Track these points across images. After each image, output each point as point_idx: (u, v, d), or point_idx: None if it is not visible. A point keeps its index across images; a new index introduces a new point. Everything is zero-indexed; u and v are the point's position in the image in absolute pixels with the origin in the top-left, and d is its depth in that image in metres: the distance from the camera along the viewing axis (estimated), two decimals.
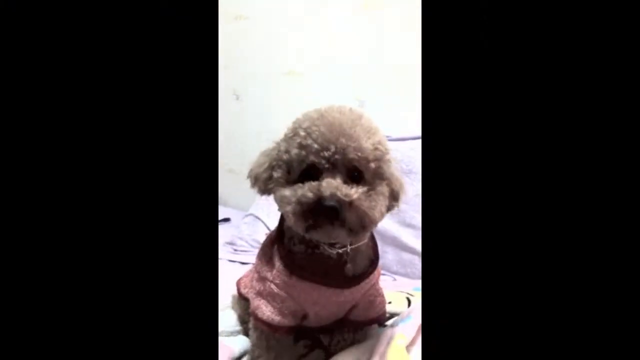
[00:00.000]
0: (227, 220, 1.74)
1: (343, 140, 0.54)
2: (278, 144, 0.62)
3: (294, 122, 0.60)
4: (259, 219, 1.47)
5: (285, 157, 0.58)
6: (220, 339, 0.79)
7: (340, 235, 0.54)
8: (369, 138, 0.56)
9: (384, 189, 0.58)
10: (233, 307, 0.87)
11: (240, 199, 1.93)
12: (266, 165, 0.61)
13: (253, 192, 1.81)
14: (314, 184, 0.53)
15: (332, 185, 0.52)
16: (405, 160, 1.32)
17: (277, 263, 0.65)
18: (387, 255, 1.27)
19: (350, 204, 0.51)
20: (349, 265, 0.64)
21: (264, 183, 0.61)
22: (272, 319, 0.65)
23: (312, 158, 0.54)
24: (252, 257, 1.36)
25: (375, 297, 0.73)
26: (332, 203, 0.50)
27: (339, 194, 0.51)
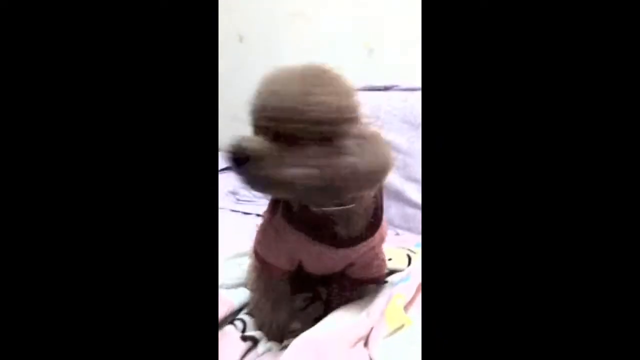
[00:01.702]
0: (229, 168, 1.72)
1: (283, 98, 0.54)
2: None
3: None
4: None
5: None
6: (221, 292, 0.80)
7: (242, 182, 0.56)
8: (311, 102, 0.53)
9: (313, 153, 0.54)
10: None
11: None
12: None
13: None
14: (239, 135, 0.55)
15: (250, 141, 0.54)
16: (414, 112, 1.28)
17: (279, 209, 0.67)
18: (390, 209, 1.26)
19: (248, 157, 0.53)
20: (338, 227, 0.63)
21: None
22: (267, 256, 0.69)
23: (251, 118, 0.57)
24: (254, 207, 1.37)
25: (373, 260, 0.72)
26: (234, 154, 0.53)
27: (245, 147, 0.53)
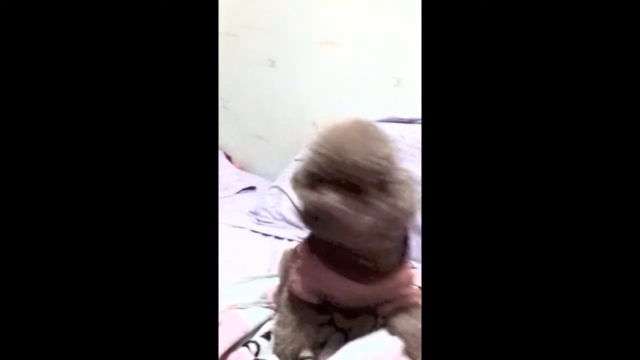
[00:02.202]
0: (252, 188, 1.76)
1: (349, 152, 0.59)
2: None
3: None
4: (283, 191, 1.48)
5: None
6: (236, 312, 0.81)
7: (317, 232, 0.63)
8: (368, 154, 0.59)
9: (375, 200, 0.60)
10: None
11: (268, 166, 1.95)
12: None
13: (281, 161, 1.81)
14: (306, 192, 0.61)
15: (320, 194, 0.58)
16: None
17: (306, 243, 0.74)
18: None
19: (323, 210, 0.57)
20: (369, 263, 0.67)
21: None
22: (301, 293, 0.73)
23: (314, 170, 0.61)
24: (274, 229, 1.39)
25: (407, 303, 0.74)
26: (307, 207, 0.59)
27: (317, 201, 0.58)
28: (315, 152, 0.61)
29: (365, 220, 0.59)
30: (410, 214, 0.64)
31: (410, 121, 1.43)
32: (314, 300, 0.74)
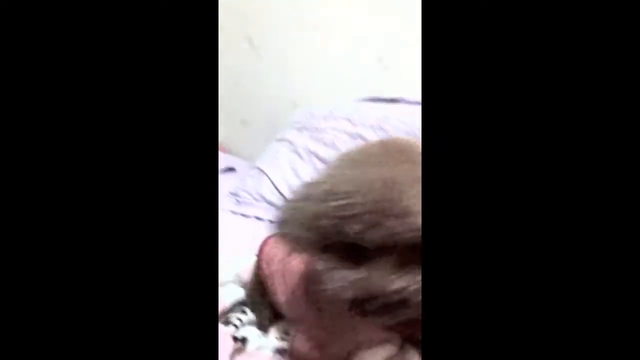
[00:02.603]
0: (231, 169, 1.72)
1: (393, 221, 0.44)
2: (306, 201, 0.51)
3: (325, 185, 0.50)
4: (264, 172, 1.45)
5: (315, 222, 0.49)
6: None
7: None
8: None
9: None
10: None
11: (249, 148, 1.91)
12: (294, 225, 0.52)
13: (262, 142, 1.79)
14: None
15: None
16: (419, 125, 1.28)
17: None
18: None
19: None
20: None
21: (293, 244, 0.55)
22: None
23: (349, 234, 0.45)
24: (254, 210, 1.37)
25: None
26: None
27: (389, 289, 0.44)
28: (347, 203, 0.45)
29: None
30: None
31: (393, 100, 1.41)
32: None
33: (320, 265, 0.49)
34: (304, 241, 0.50)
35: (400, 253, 0.45)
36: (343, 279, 0.46)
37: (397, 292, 0.44)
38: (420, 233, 0.42)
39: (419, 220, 0.43)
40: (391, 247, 0.45)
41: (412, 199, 0.44)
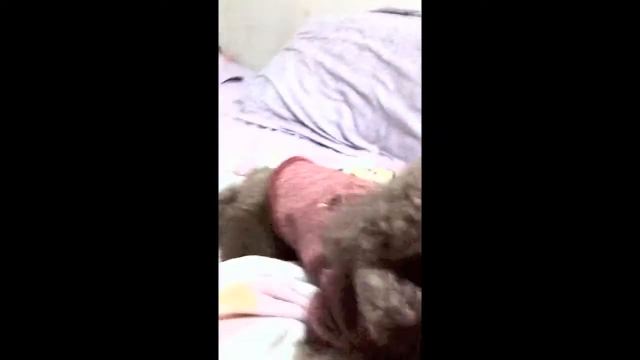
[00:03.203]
0: (238, 79, 1.71)
1: None
2: (374, 200, 0.43)
3: (408, 176, 0.41)
4: (269, 81, 1.44)
5: (384, 226, 0.40)
6: None
7: None
8: None
9: None
10: None
11: (257, 58, 1.88)
12: (352, 228, 0.43)
13: (271, 52, 1.75)
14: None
15: None
16: None
17: None
18: (390, 136, 1.27)
19: None
20: None
21: (347, 253, 0.43)
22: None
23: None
24: (257, 118, 1.38)
25: None
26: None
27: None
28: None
29: None
30: None
31: (406, 13, 1.35)
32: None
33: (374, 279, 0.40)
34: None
35: None
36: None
37: None
38: None
39: None
40: None
41: None
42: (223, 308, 0.54)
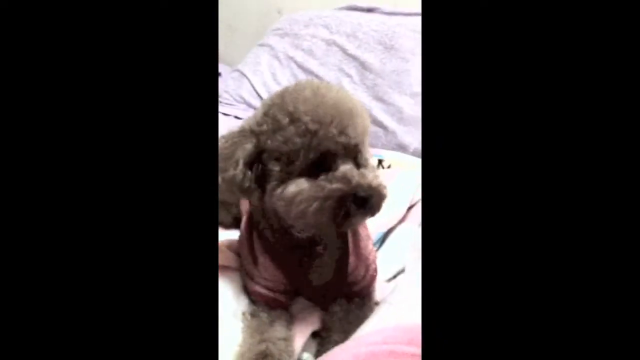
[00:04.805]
0: (217, 75, 1.80)
1: (358, 120, 0.52)
2: (246, 133, 0.55)
3: (281, 107, 0.53)
4: (244, 75, 1.53)
5: (284, 147, 0.51)
6: None
7: (358, 223, 0.56)
8: (367, 115, 0.55)
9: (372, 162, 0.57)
10: None
11: (235, 56, 1.97)
12: (241, 163, 0.53)
13: (247, 49, 1.81)
14: (339, 174, 0.51)
15: (355, 173, 0.51)
16: (389, 35, 1.35)
17: (261, 257, 0.62)
18: None
19: (376, 189, 0.51)
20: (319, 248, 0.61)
21: (239, 183, 0.53)
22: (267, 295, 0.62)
23: (324, 145, 0.50)
24: (234, 110, 1.47)
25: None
26: (362, 193, 0.50)
27: (366, 181, 0.50)
28: (315, 120, 0.50)
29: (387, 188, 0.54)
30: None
31: (370, 10, 1.46)
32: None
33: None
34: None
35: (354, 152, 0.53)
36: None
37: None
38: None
39: (367, 122, 0.54)
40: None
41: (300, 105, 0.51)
42: None
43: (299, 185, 0.51)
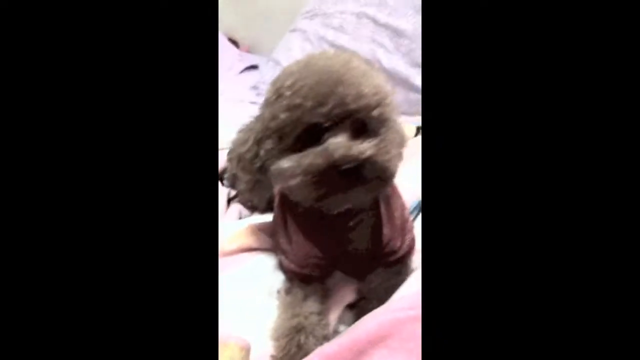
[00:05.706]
0: (254, 67, 1.81)
1: (340, 89, 0.47)
2: (259, 115, 0.54)
3: (273, 83, 0.52)
4: (279, 63, 1.53)
5: (273, 124, 0.49)
6: None
7: (359, 197, 0.50)
8: (366, 81, 0.49)
9: (393, 135, 0.51)
10: None
11: (273, 44, 1.96)
12: (250, 141, 0.53)
13: (281, 37, 1.81)
14: (319, 148, 0.47)
15: (341, 145, 0.46)
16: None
17: (294, 235, 0.59)
18: (396, 95, 1.31)
19: (367, 160, 0.46)
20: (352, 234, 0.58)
21: (250, 162, 0.53)
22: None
23: (307, 118, 0.47)
24: None
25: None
26: (347, 165, 0.45)
27: (352, 152, 0.46)
28: (295, 93, 0.47)
29: (394, 157, 0.50)
30: (404, 143, 0.56)
31: None
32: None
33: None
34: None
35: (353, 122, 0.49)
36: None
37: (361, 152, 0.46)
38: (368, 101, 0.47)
39: (364, 89, 0.48)
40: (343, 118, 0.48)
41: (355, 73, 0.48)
42: (231, 246, 0.65)
43: (286, 162, 0.49)
